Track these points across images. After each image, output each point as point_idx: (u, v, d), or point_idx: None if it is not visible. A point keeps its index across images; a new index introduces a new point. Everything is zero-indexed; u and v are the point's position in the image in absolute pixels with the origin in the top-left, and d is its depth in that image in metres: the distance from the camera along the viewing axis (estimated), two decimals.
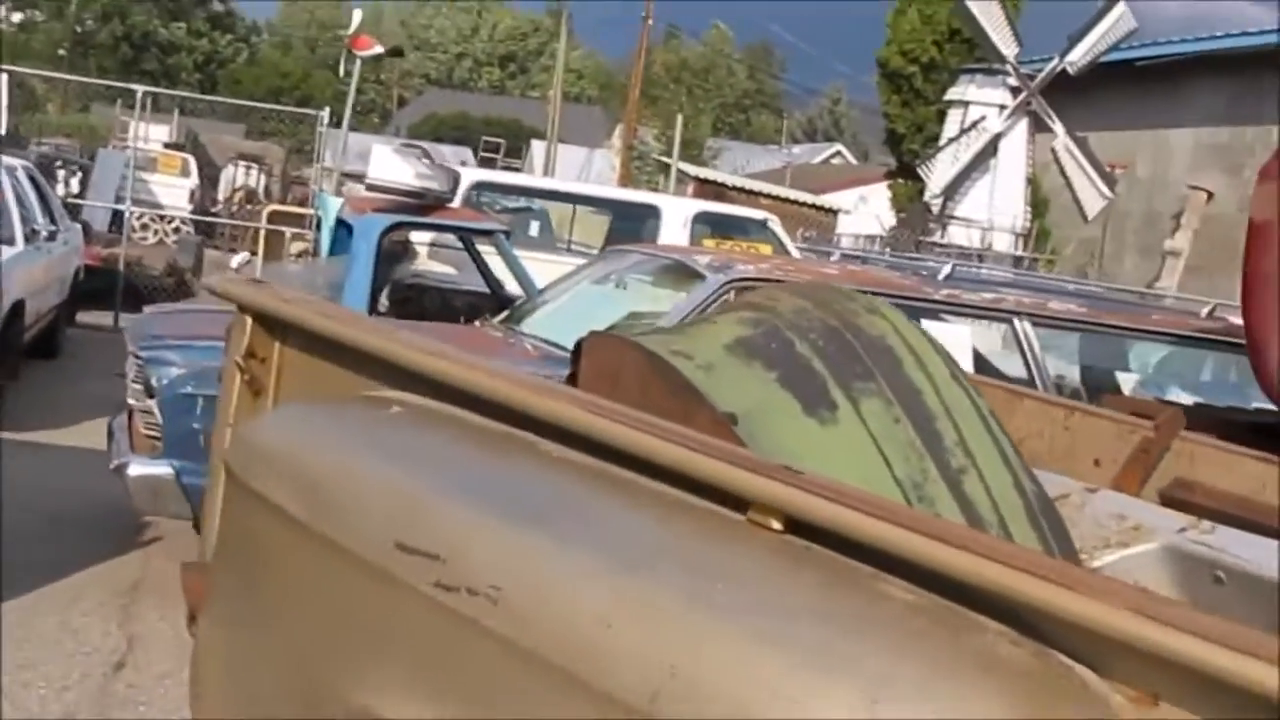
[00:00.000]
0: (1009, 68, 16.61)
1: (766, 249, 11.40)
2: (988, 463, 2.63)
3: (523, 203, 12.60)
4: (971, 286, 6.48)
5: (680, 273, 6.25)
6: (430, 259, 11.00)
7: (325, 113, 14.16)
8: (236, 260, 10.70)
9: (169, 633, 5.40)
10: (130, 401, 5.63)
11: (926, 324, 6.31)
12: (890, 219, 22.84)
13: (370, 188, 8.13)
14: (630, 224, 12.45)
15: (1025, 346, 6.33)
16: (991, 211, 16.58)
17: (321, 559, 2.18)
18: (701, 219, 11.43)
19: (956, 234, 16.53)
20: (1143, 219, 18.83)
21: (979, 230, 16.43)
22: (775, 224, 11.59)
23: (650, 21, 36.86)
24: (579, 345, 3.19)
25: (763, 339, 2.88)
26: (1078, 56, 16.32)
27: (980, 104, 16.79)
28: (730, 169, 35.65)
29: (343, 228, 9.49)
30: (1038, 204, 17.16)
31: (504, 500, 2.06)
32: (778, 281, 6.03)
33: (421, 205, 8.32)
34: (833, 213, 23.44)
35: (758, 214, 11.84)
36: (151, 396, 5.33)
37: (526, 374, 2.36)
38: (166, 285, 14.81)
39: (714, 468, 1.92)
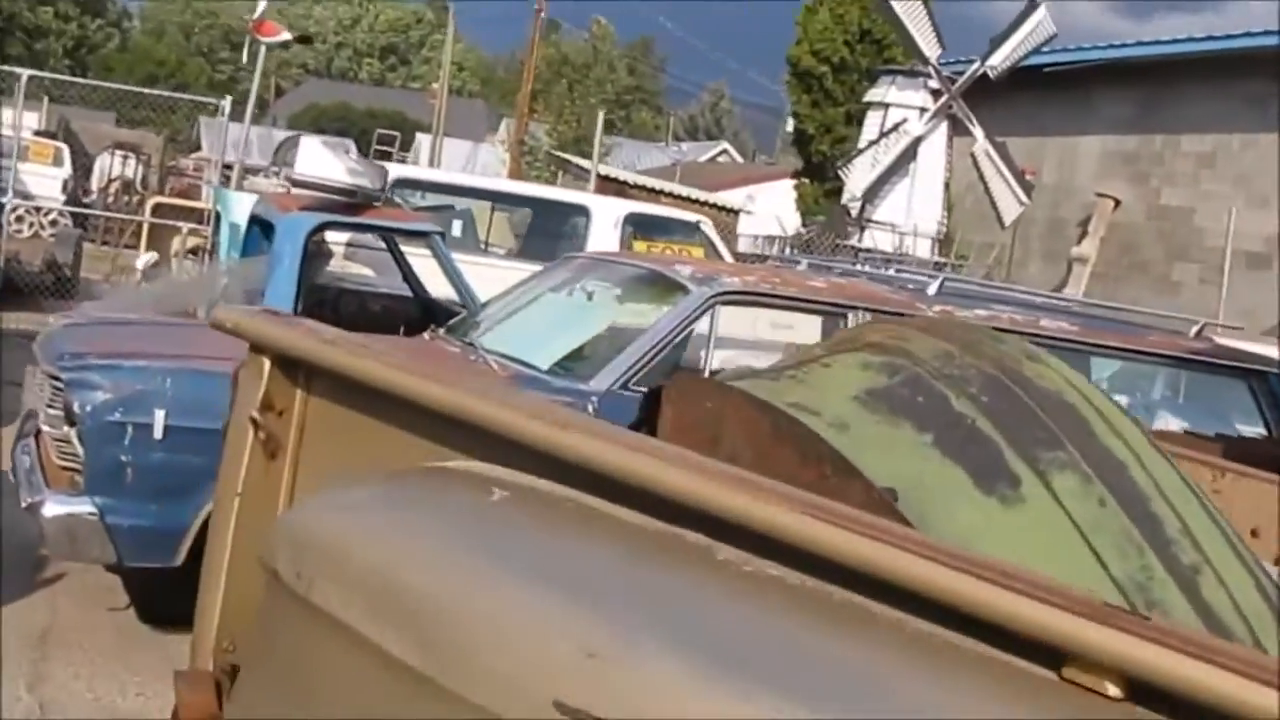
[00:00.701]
0: (931, 70, 16.35)
1: (698, 253, 10.91)
2: (1220, 557, 2.13)
3: (441, 201, 11.95)
4: (962, 302, 6.05)
5: (658, 284, 5.71)
6: (346, 259, 10.32)
7: (227, 102, 13.33)
8: (143, 261, 9.89)
9: (85, 695, 4.72)
10: (44, 428, 4.93)
11: None
12: (791, 220, 22.53)
13: (297, 184, 7.46)
14: (553, 224, 11.87)
15: None
16: (910, 215, 16.31)
17: (429, 709, 1.60)
18: (632, 220, 10.90)
19: (873, 237, 16.22)
20: (1048, 225, 18.75)
21: (897, 234, 16.15)
22: (708, 227, 11.12)
23: (543, 14, 36.15)
24: (657, 390, 2.63)
25: (905, 390, 2.35)
26: (999, 60, 16.12)
27: (901, 106, 16.50)
28: (622, 166, 35.08)
29: (257, 226, 8.79)
30: (948, 208, 16.95)
31: (708, 644, 1.50)
32: (766, 295, 5.54)
33: (351, 204, 7.67)
34: (734, 213, 23.07)
35: (690, 216, 11.35)
36: (72, 424, 4.64)
37: (678, 452, 1.80)
38: (46, 282, 13.84)
39: (1007, 604, 1.39)
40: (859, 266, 15.96)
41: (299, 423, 2.32)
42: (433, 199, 11.42)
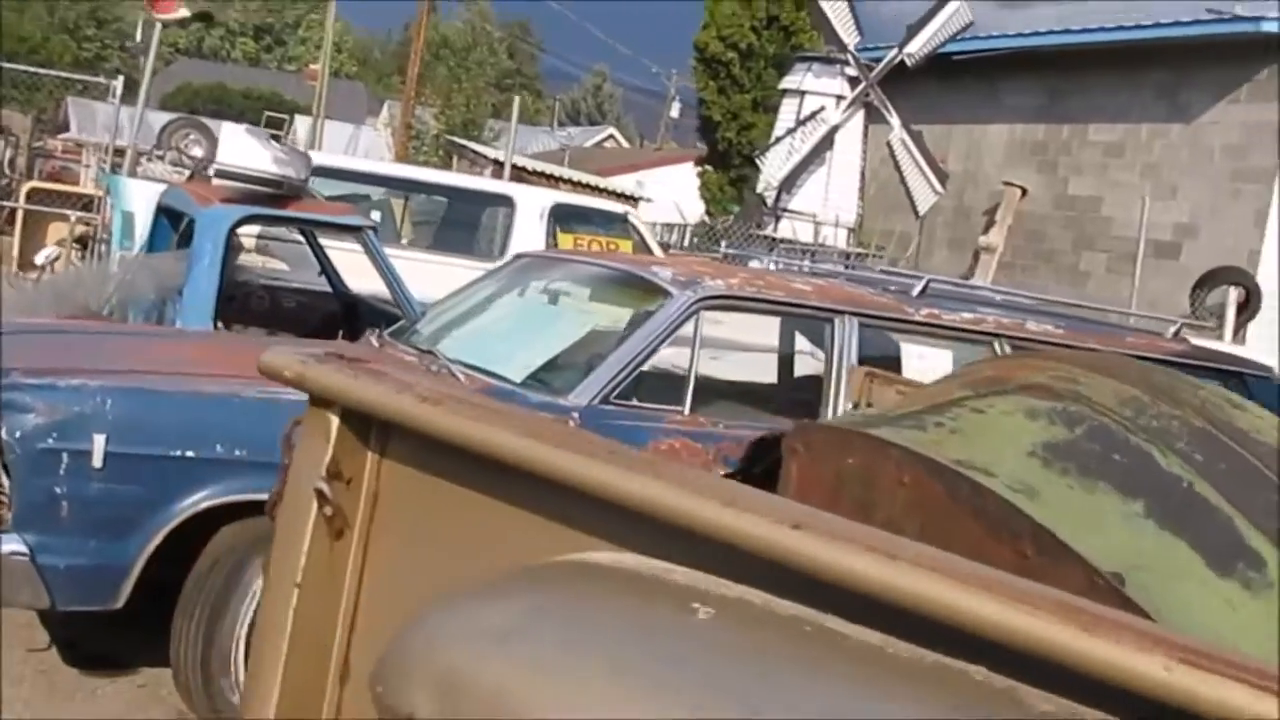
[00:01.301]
0: (849, 57, 16.09)
1: (626, 246, 10.50)
2: None
3: (354, 190, 11.36)
4: (948, 305, 5.72)
5: (635, 287, 5.29)
6: (257, 252, 9.72)
7: (119, 82, 12.54)
8: (44, 255, 9.15)
9: None
10: None
11: (907, 348, 5.53)
12: (692, 208, 22.18)
13: (220, 175, 6.88)
14: (469, 214, 11.35)
15: None
16: (827, 204, 16.05)
17: None
18: (558, 212, 10.44)
19: (792, 227, 15.94)
20: (954, 214, 18.67)
21: (814, 223, 15.88)
22: (635, 218, 10.70)
23: None
24: (774, 436, 2.21)
25: (1094, 445, 1.97)
26: (916, 48, 15.92)
27: (817, 94, 16.21)
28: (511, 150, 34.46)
29: (165, 217, 8.18)
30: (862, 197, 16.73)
31: None
32: (751, 300, 5.16)
33: (276, 196, 7.12)
34: (632, 200, 22.64)
35: (616, 207, 10.92)
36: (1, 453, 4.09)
37: (944, 557, 1.39)
38: None
39: None
40: (772, 258, 15.72)
41: (370, 493, 1.86)
42: (345, 188, 10.85)
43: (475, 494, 1.77)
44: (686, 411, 4.94)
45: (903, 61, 16.06)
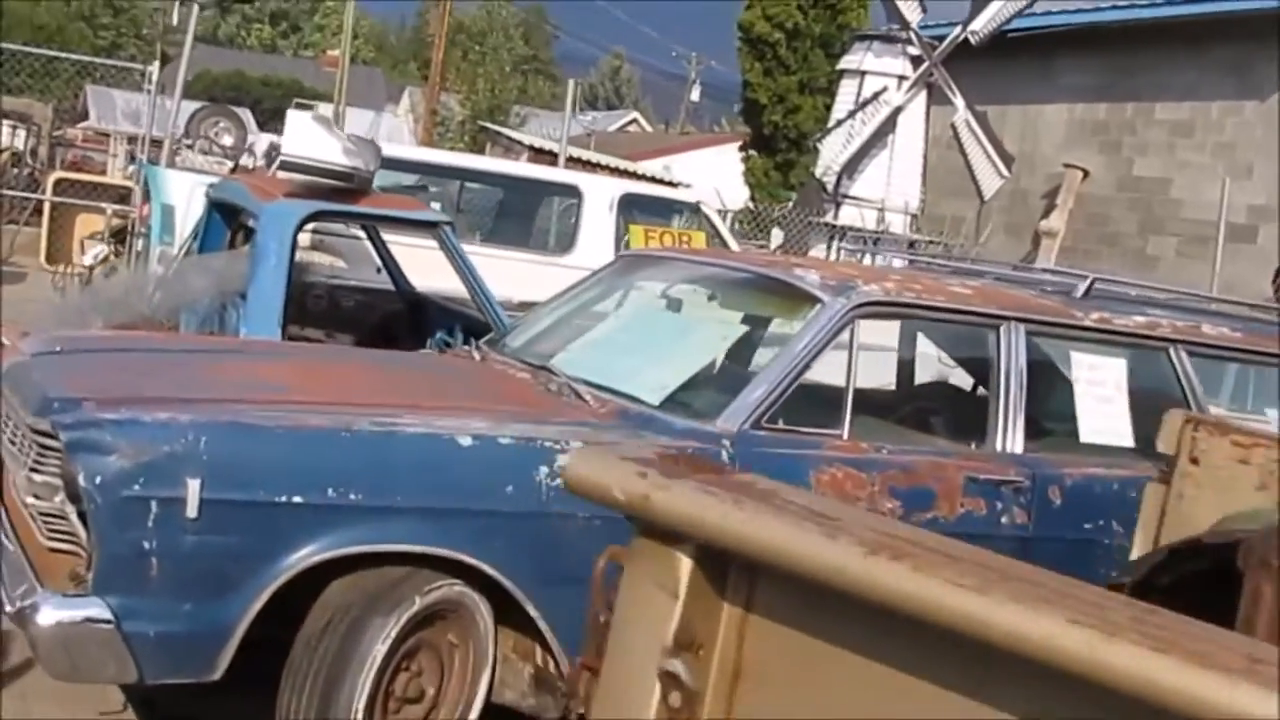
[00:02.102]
0: (911, 35, 15.39)
1: (699, 238, 9.87)
2: None
3: (402, 181, 10.76)
4: (1116, 307, 5.09)
5: (774, 292, 4.67)
6: (311, 248, 9.10)
7: (155, 68, 11.92)
8: (91, 255, 8.53)
9: None
10: (25, 499, 3.75)
11: (1077, 357, 4.90)
12: (734, 194, 21.48)
13: (286, 166, 6.27)
14: (528, 204, 10.73)
15: (1183, 382, 4.99)
16: (889, 190, 15.37)
17: None
18: (628, 202, 9.82)
19: (848, 214, 15.28)
20: (1010, 198, 17.94)
21: (874, 210, 15.21)
22: (708, 208, 10.07)
23: None
24: (1190, 546, 1.60)
25: None
26: (981, 25, 15.21)
27: (878, 74, 15.51)
28: (540, 135, 33.79)
29: (218, 212, 7.57)
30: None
31: None
32: (911, 306, 4.54)
33: (344, 189, 6.51)
34: (675, 186, 21.95)
35: (689, 196, 10.28)
36: (75, 500, 3.48)
37: None
38: None
39: None
40: (840, 245, 15.10)
41: (728, 666, 1.24)
42: (393, 178, 10.24)
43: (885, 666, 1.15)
44: (845, 435, 4.32)
45: (966, 39, 15.35)
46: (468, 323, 7.53)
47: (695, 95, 73.78)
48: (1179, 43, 16.42)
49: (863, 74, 15.74)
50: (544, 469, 3.78)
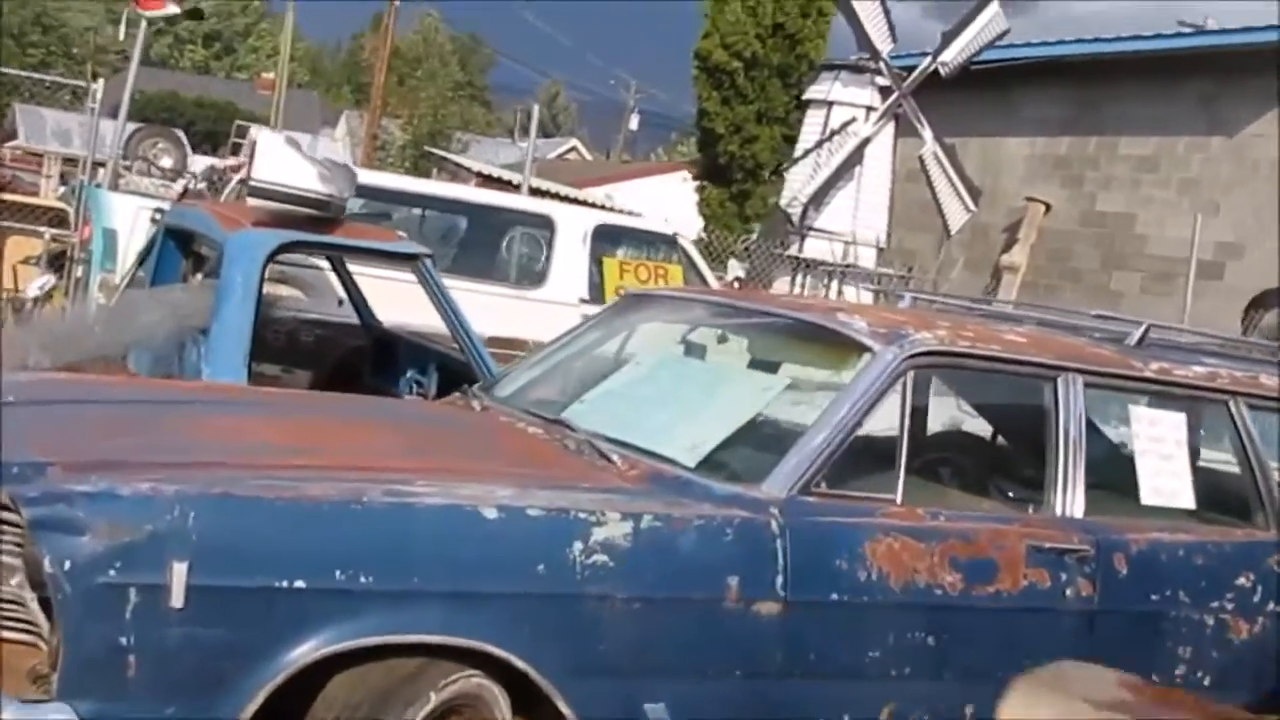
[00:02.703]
0: (881, 65, 15.04)
1: (676, 272, 9.43)
2: None
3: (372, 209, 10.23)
4: (1172, 356, 4.71)
5: (815, 339, 4.23)
6: (269, 278, 8.54)
7: (99, 85, 11.30)
8: (36, 286, 7.91)
9: None
10: None
11: (1136, 411, 4.50)
12: (686, 224, 21.06)
13: (256, 193, 5.75)
14: (494, 234, 10.22)
15: (1244, 437, 4.61)
16: (855, 222, 15.00)
17: None
18: (602, 233, 9.36)
19: (813, 246, 14.88)
20: (970, 231, 17.61)
21: (840, 243, 14.82)
22: (685, 240, 9.64)
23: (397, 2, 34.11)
24: None
25: None
26: (951, 56, 14.90)
27: (846, 104, 15.16)
28: (483, 162, 33.25)
29: (173, 240, 7.03)
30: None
31: None
32: (968, 357, 4.12)
33: (316, 219, 6.00)
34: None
35: (665, 228, 9.84)
36: (38, 586, 2.96)
37: None
38: None
39: None
40: (803, 280, 14.71)
41: None
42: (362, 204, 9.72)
43: None
44: (899, 499, 3.89)
45: (936, 71, 15.05)
46: (441, 362, 7.04)
47: (634, 124, 73.53)
48: (1145, 77, 16.25)
49: (830, 104, 15.39)
50: (578, 544, 3.31)
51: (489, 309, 8.33)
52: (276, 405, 4.28)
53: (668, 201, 27.19)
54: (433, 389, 6.97)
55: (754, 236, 15.31)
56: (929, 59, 15.04)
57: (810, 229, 15.03)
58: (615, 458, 3.81)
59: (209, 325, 5.82)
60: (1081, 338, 4.68)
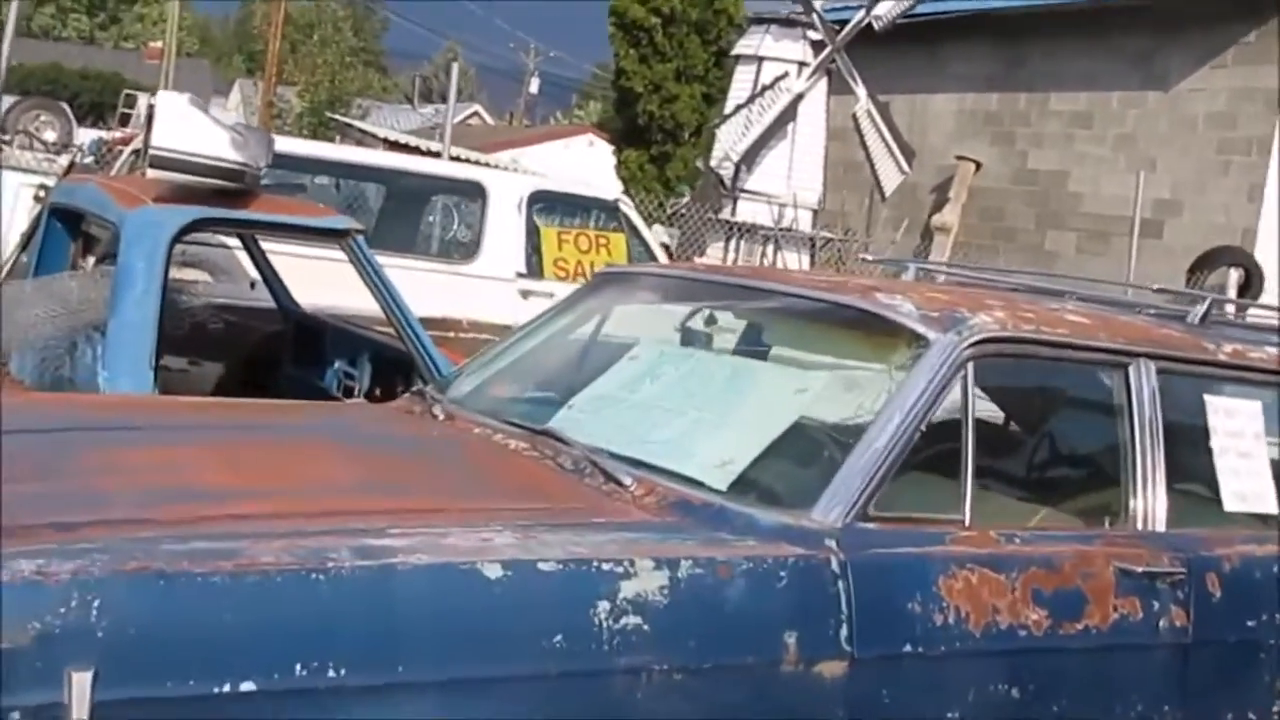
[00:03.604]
0: (814, 19, 14.35)
1: (619, 241, 8.69)
2: None
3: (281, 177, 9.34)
4: (1238, 335, 4.08)
5: (856, 327, 3.52)
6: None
7: None
8: None
9: None
10: None
11: (1212, 400, 3.85)
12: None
13: (157, 163, 4.91)
14: (416, 204, 9.39)
15: None
16: (789, 184, 14.33)
17: None
18: (538, 200, 8.58)
19: (746, 209, 14.18)
20: (899, 191, 17.06)
21: (775, 206, 14.12)
22: (628, 206, 8.89)
23: None
24: None
25: None
26: (885, 10, 14.26)
27: (777, 59, 14.45)
28: (389, 128, 32.12)
29: (60, 221, 6.15)
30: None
31: None
32: (1033, 343, 3.44)
33: (227, 191, 5.17)
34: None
35: (606, 194, 9.09)
36: None
37: None
38: None
39: None
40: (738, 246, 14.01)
41: None
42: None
43: None
44: (967, 520, 3.21)
45: (869, 25, 14.39)
46: (374, 350, 6.25)
47: (534, 88, 72.49)
48: (1076, 31, 15.78)
49: (760, 59, 14.66)
50: (603, 605, 2.59)
51: (415, 286, 7.50)
52: (201, 425, 3.46)
53: (575, 166, 26.38)
54: (365, 381, 6.19)
55: (684, 200, 14.58)
56: (862, 12, 14.39)
57: (743, 191, 14.33)
58: (627, 480, 3.07)
59: (105, 320, 4.98)
60: (1151, 319, 4.02)
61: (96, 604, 2.16)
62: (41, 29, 75.31)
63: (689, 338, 4.00)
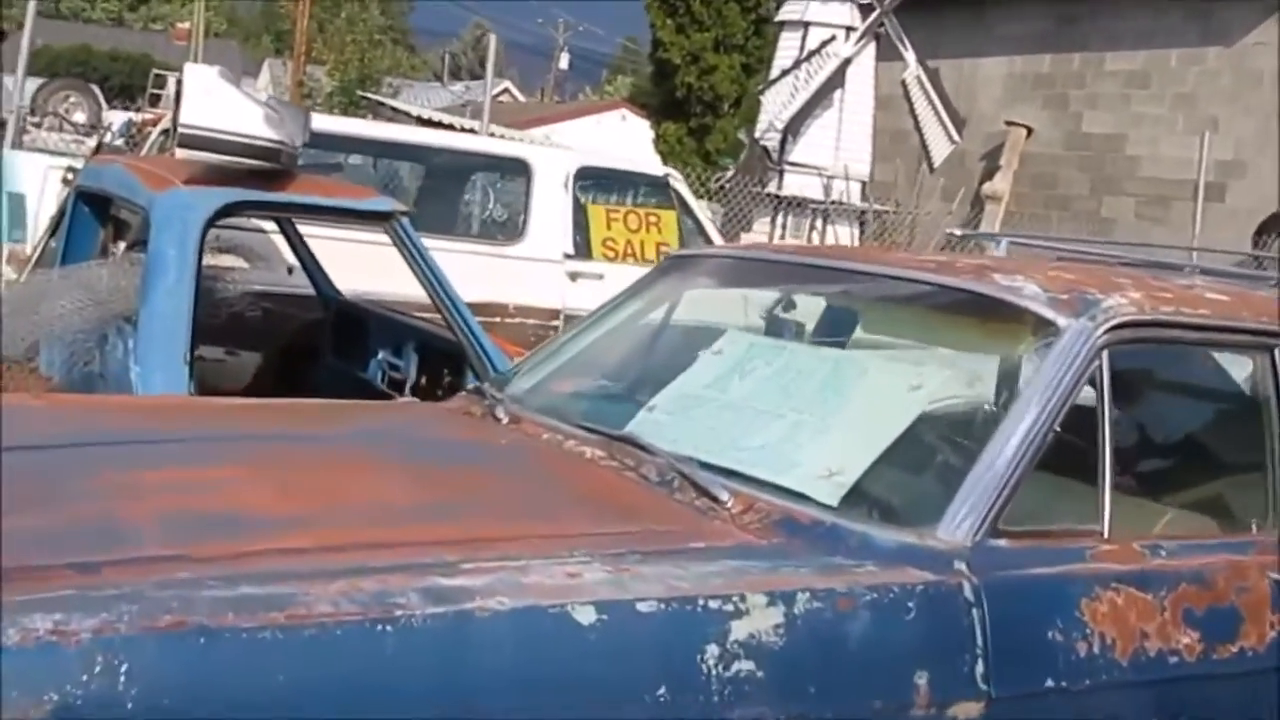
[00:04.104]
0: None
1: (669, 218, 8.31)
2: None
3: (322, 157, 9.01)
4: None
5: (965, 311, 3.13)
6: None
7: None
8: None
9: None
10: None
11: None
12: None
13: (186, 142, 4.56)
14: (456, 183, 9.04)
15: None
16: (838, 155, 13.87)
17: None
18: (586, 177, 8.20)
19: (793, 182, 13.74)
20: (945, 159, 16.61)
21: (823, 179, 13.68)
22: (678, 181, 8.50)
23: None
24: None
25: None
26: None
27: (823, 24, 13.98)
28: (420, 105, 31.71)
29: (87, 205, 5.83)
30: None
31: None
32: (1175, 326, 3.05)
33: (264, 172, 4.82)
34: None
35: (655, 169, 8.71)
36: None
37: None
38: None
39: None
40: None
41: None
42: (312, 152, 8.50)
43: None
44: (1106, 530, 2.83)
45: None
46: (420, 340, 5.90)
47: (564, 63, 72.11)
48: None
49: (806, 25, 14.18)
50: (712, 649, 2.22)
51: (458, 270, 7.15)
52: (238, 435, 3.10)
53: (608, 142, 25.95)
54: (411, 373, 5.85)
55: (729, 174, 14.13)
56: None
57: (789, 163, 13.88)
58: (724, 495, 2.71)
59: (136, 311, 4.65)
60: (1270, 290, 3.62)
61: (125, 669, 1.81)
62: (70, 10, 75.29)
63: (776, 327, 3.61)
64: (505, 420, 3.36)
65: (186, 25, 49.70)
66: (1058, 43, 16.20)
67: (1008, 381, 2.89)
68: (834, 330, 3.56)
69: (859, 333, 3.45)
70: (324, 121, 9.19)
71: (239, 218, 6.72)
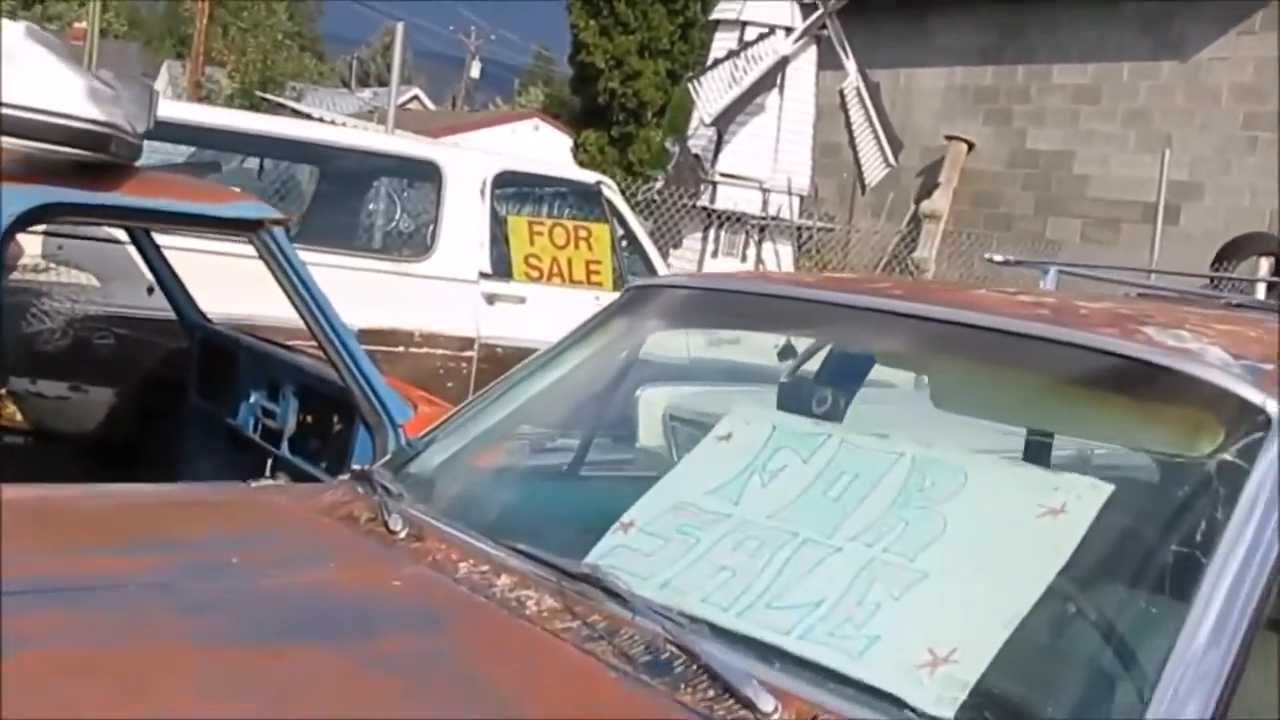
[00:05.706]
0: None
1: (601, 232, 7.21)
2: None
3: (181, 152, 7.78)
4: None
5: (1103, 381, 2.06)
6: (44, 256, 6.07)
7: None
8: None
9: None
10: None
11: None
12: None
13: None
14: (357, 189, 7.87)
15: None
16: (776, 167, 12.85)
17: None
18: (506, 184, 7.08)
19: (725, 195, 12.67)
20: (879, 180, 15.70)
21: (763, 192, 12.61)
22: (612, 190, 7.40)
23: None
24: None
25: None
26: None
27: (760, 25, 12.93)
28: (322, 110, 30.32)
29: None
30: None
31: None
32: None
33: (92, 165, 3.64)
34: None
35: (585, 175, 7.61)
36: None
37: None
38: None
39: None
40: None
41: None
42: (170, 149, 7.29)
43: None
44: None
45: None
46: (298, 377, 4.75)
47: (475, 72, 71.05)
48: None
49: (743, 24, 13.12)
50: None
51: (354, 290, 5.99)
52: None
53: (523, 151, 24.86)
54: (290, 420, 4.69)
55: (658, 185, 13.02)
56: None
57: (723, 175, 12.84)
58: (765, 701, 1.61)
59: None
60: None
61: None
62: None
63: (798, 396, 2.50)
64: (402, 533, 2.23)
65: (83, 25, 47.98)
66: (1001, 54, 15.38)
67: (1202, 500, 1.83)
68: (884, 402, 2.48)
69: (928, 406, 2.35)
70: (197, 111, 7.97)
71: (85, 225, 5.58)
